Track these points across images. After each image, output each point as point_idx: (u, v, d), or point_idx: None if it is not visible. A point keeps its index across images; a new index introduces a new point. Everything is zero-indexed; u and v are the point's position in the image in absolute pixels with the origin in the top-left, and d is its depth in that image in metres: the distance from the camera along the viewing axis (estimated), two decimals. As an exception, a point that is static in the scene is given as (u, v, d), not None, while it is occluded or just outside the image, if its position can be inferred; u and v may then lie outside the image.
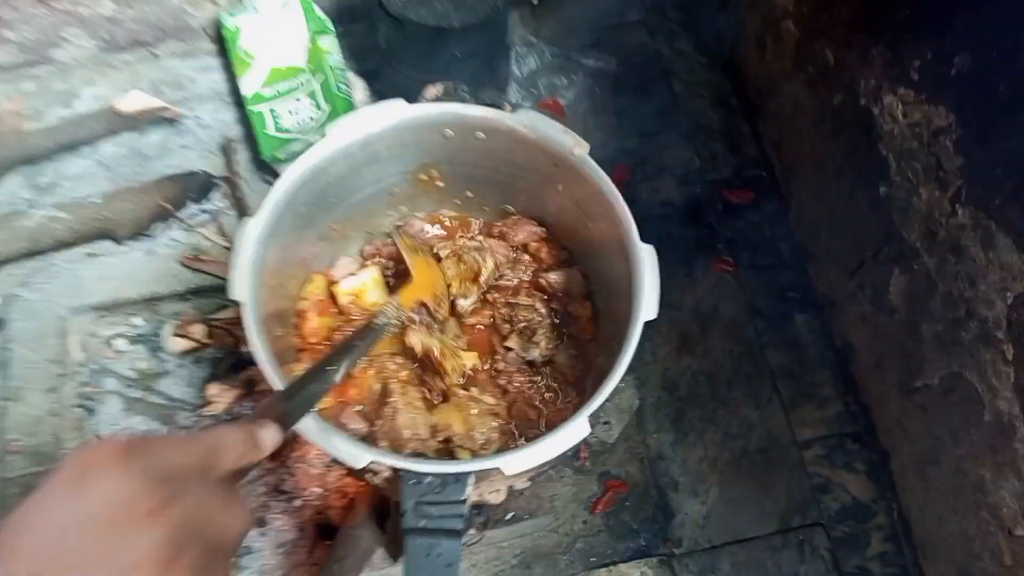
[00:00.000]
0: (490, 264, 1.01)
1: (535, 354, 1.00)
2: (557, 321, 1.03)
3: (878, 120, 1.05)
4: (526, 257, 1.07)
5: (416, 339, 0.95)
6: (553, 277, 1.03)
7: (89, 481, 0.44)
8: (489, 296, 1.04)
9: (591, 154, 0.93)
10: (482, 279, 1.01)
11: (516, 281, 1.05)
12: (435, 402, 0.96)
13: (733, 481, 1.15)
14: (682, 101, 1.42)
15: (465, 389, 0.97)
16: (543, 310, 1.02)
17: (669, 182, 1.35)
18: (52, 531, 0.43)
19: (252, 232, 0.84)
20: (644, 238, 0.88)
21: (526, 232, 1.06)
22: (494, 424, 0.95)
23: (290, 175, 0.88)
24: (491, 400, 0.97)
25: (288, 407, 0.66)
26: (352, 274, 1.05)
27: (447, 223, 1.12)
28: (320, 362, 0.76)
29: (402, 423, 0.92)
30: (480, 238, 1.05)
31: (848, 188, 1.15)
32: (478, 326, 1.06)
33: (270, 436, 0.57)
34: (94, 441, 0.47)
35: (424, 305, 0.99)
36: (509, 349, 1.01)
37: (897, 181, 1.04)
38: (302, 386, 0.71)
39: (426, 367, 0.97)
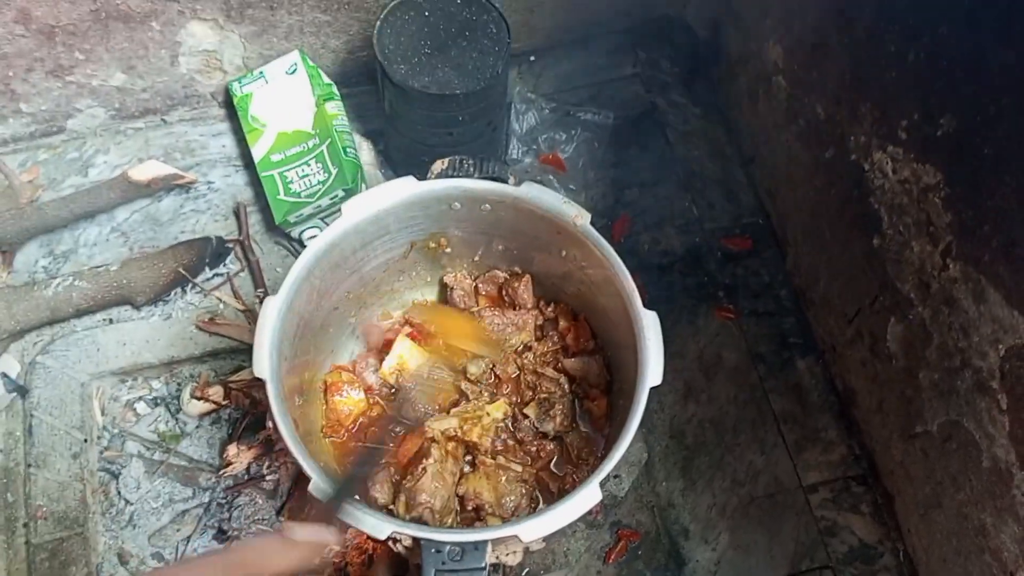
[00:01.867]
0: None
1: (548, 427, 1.03)
2: (575, 404, 1.07)
3: (868, 175, 1.09)
4: (553, 335, 1.11)
5: (436, 427, 0.98)
6: (572, 362, 1.07)
7: None
8: (519, 360, 1.08)
9: (592, 216, 0.97)
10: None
11: (549, 348, 1.09)
12: (464, 470, 1.00)
13: (742, 527, 1.17)
14: (678, 151, 1.46)
15: (493, 457, 1.01)
16: (566, 387, 1.05)
17: (669, 232, 1.39)
18: None
19: (273, 310, 0.88)
20: (646, 288, 0.92)
21: (523, 288, 1.10)
22: (522, 491, 0.99)
23: (308, 253, 0.92)
24: (518, 467, 1.01)
25: (332, 498, 0.73)
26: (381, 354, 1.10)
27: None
28: (365, 448, 0.81)
29: (423, 487, 0.96)
30: (475, 308, 1.10)
31: (843, 238, 1.19)
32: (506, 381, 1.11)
33: (301, 532, 0.60)
34: None
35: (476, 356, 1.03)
36: (525, 416, 1.04)
37: (889, 234, 1.07)
38: (350, 472, 0.78)
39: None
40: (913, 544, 1.15)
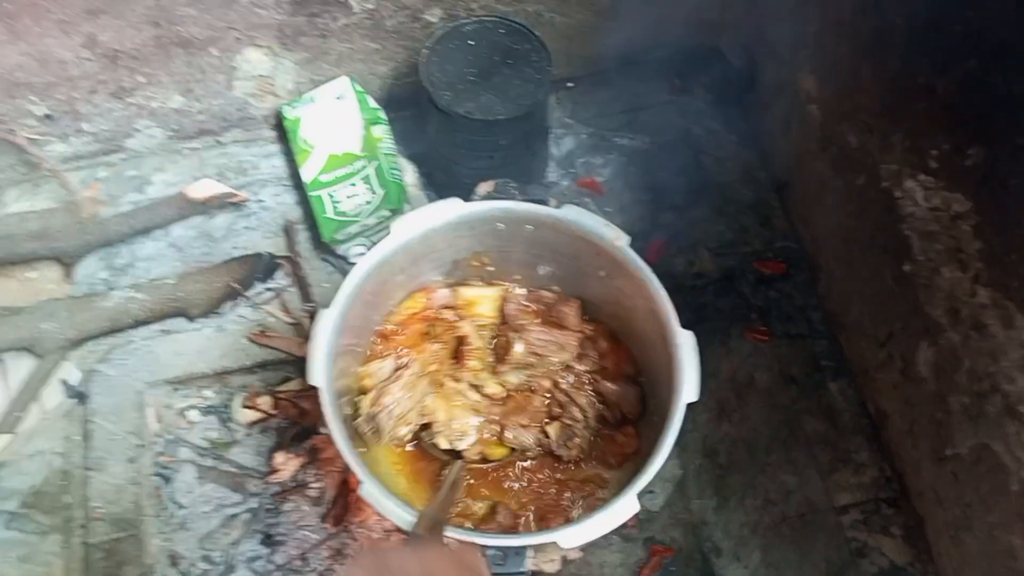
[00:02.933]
0: (520, 347, 1.09)
1: (563, 452, 1.06)
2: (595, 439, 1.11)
3: (900, 202, 1.12)
4: (592, 353, 1.14)
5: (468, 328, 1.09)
6: (610, 388, 1.10)
7: None
8: (556, 376, 1.12)
9: (631, 239, 1.01)
10: (509, 357, 1.09)
11: (588, 368, 1.13)
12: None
13: (774, 546, 1.20)
14: (713, 177, 1.50)
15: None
16: (592, 421, 1.09)
17: (703, 254, 1.42)
18: None
19: (328, 323, 0.93)
20: (680, 309, 0.95)
21: (571, 313, 1.14)
22: (474, 422, 1.08)
23: (360, 268, 0.97)
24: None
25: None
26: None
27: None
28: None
29: (391, 390, 1.05)
30: (524, 319, 1.13)
31: (875, 263, 1.21)
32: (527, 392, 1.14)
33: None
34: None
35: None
36: (547, 436, 1.07)
37: (920, 260, 1.10)
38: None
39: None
40: (943, 566, 1.16)
